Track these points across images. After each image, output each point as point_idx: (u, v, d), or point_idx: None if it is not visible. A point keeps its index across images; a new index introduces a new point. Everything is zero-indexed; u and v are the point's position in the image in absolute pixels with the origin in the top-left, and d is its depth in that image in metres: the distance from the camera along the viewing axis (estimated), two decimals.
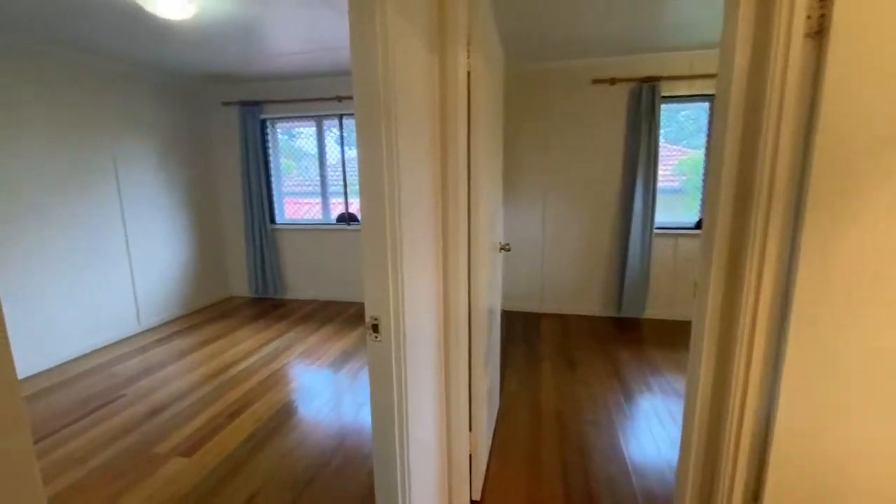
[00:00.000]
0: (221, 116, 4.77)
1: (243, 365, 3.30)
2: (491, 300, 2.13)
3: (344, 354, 3.46)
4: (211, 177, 4.88)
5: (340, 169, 4.63)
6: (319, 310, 4.61)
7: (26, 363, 3.14)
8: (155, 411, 2.65)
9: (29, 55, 3.12)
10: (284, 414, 2.60)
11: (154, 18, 2.67)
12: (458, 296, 1.57)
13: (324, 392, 2.87)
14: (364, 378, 3.07)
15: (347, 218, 4.70)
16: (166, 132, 4.29)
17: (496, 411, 2.48)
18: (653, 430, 2.39)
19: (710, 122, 3.86)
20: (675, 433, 2.35)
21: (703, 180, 3.95)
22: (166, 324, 4.27)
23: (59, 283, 3.36)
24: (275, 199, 4.86)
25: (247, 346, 3.68)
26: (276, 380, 3.05)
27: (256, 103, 4.56)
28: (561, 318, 4.18)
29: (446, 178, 1.50)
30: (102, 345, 3.70)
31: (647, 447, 2.25)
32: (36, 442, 2.34)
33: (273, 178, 4.83)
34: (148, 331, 4.08)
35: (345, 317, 4.36)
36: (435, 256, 1.48)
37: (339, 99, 4.36)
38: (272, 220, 4.85)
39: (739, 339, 1.33)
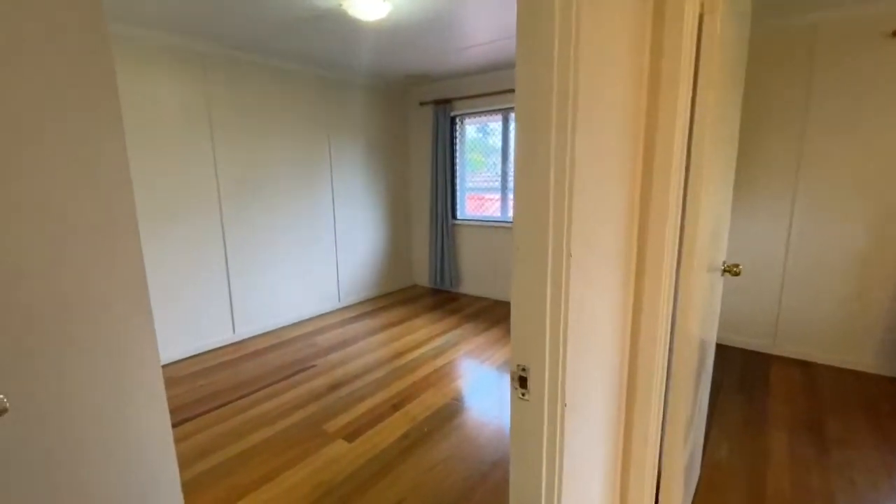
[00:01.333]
0: (418, 116, 5.05)
1: (414, 354, 3.38)
2: (704, 337, 1.56)
3: (508, 364, 3.22)
4: (405, 173, 5.25)
5: None
6: (489, 309, 4.48)
7: (254, 325, 3.86)
8: (335, 386, 2.89)
9: (273, 72, 3.77)
10: (442, 416, 2.50)
11: (356, 23, 2.85)
12: (654, 339, 1.12)
13: (483, 401, 2.68)
14: None
15: None
16: (372, 132, 4.76)
17: (693, 488, 1.86)
18: None
19: None
20: None
21: None
22: (360, 303, 4.77)
23: (283, 261, 4.03)
24: (458, 194, 4.93)
25: (420, 335, 3.79)
26: (441, 376, 3.00)
27: (448, 101, 4.66)
28: (804, 367, 3.06)
29: (650, 173, 1.07)
30: (310, 316, 4.33)
31: None
32: (244, 396, 2.78)
33: (457, 174, 4.90)
34: (346, 307, 4.62)
35: None
36: (621, 281, 1.07)
37: None
38: (454, 216, 4.94)
39: None
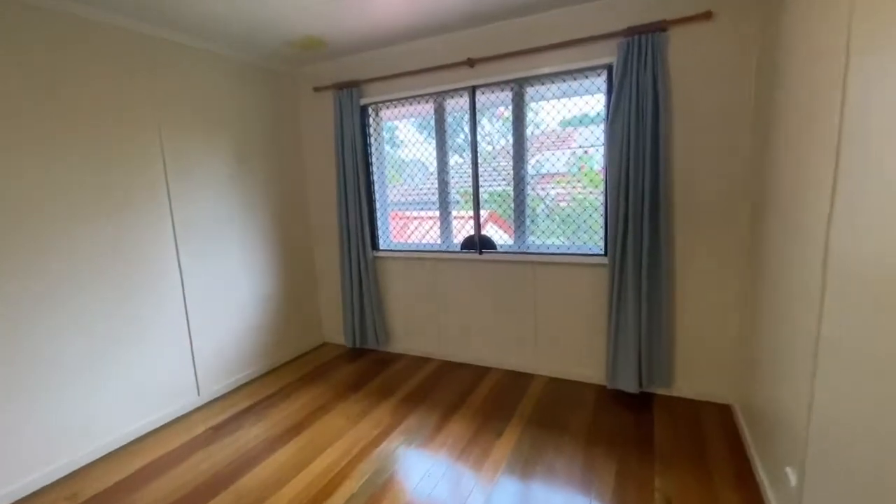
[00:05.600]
0: (314, 106, 3.58)
1: (341, 498, 1.90)
2: None
3: (505, 490, 1.92)
4: (300, 187, 3.69)
5: (469, 169, 3.15)
6: (439, 378, 3.14)
7: (32, 475, 2.01)
8: None
9: (45, 18, 2.05)
10: None
11: None
12: None
13: None
14: None
15: (479, 243, 3.20)
16: (243, 131, 3.15)
17: None
18: None
19: None
20: None
21: None
22: (235, 391, 3.08)
23: (89, 344, 2.24)
24: (378, 216, 3.54)
25: (343, 449, 2.30)
26: None
27: (355, 84, 3.28)
28: None
29: None
30: (147, 430, 2.57)
31: None
32: None
33: (376, 188, 3.52)
34: (210, 403, 2.91)
35: (481, 397, 2.83)
36: None
37: (472, 63, 2.92)
38: (374, 246, 3.53)
39: None
